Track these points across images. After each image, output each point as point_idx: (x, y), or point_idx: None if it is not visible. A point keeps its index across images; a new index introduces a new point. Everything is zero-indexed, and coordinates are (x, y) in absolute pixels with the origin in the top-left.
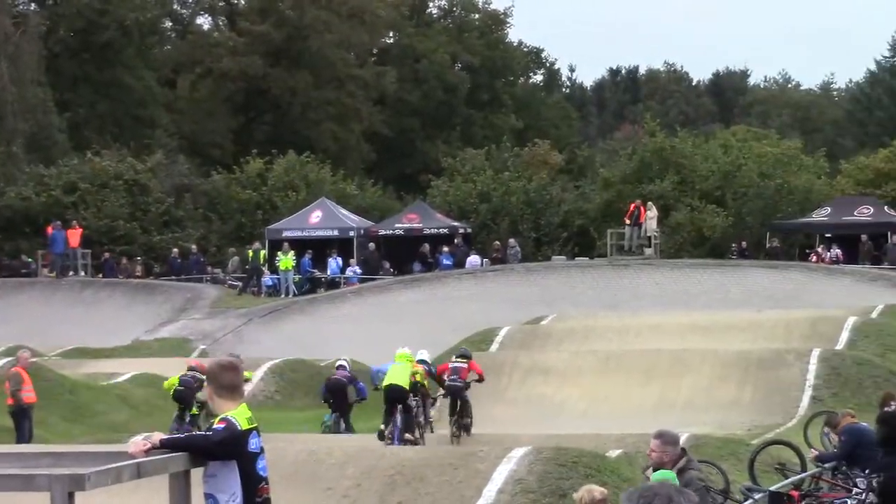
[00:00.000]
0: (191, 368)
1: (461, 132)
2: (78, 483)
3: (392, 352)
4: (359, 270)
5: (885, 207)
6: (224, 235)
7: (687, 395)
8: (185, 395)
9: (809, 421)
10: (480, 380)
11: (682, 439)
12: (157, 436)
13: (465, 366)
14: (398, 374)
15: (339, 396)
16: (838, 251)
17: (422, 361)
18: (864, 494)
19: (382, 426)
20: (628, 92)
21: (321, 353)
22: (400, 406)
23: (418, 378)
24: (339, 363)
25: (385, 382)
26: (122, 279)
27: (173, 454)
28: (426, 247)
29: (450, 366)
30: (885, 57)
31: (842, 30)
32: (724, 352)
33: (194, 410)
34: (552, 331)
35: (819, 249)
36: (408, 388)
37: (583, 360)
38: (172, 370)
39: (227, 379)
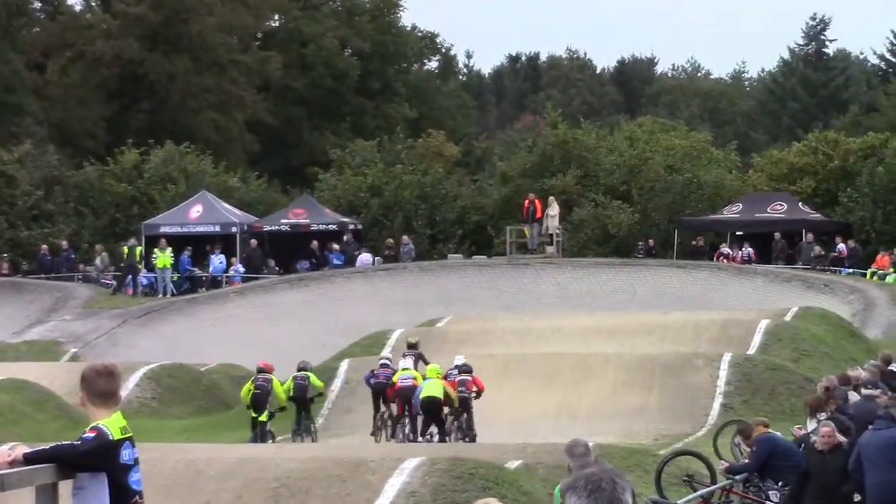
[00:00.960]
0: (260, 370)
1: (351, 122)
2: None
3: (276, 355)
4: (242, 269)
5: (800, 204)
6: (97, 231)
7: (590, 401)
8: (262, 399)
9: (720, 430)
10: (479, 394)
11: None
12: (22, 448)
13: (470, 378)
14: (433, 388)
15: (383, 396)
16: (750, 250)
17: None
18: None
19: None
20: (528, 80)
21: (201, 356)
22: (435, 418)
23: (450, 393)
24: (381, 361)
25: (422, 395)
26: None
27: (40, 465)
28: (314, 244)
29: (457, 380)
30: (799, 45)
31: (754, 15)
32: (629, 356)
33: (263, 416)
34: (448, 334)
35: (728, 248)
36: (443, 399)
37: (480, 365)
38: (41, 375)
39: (102, 385)
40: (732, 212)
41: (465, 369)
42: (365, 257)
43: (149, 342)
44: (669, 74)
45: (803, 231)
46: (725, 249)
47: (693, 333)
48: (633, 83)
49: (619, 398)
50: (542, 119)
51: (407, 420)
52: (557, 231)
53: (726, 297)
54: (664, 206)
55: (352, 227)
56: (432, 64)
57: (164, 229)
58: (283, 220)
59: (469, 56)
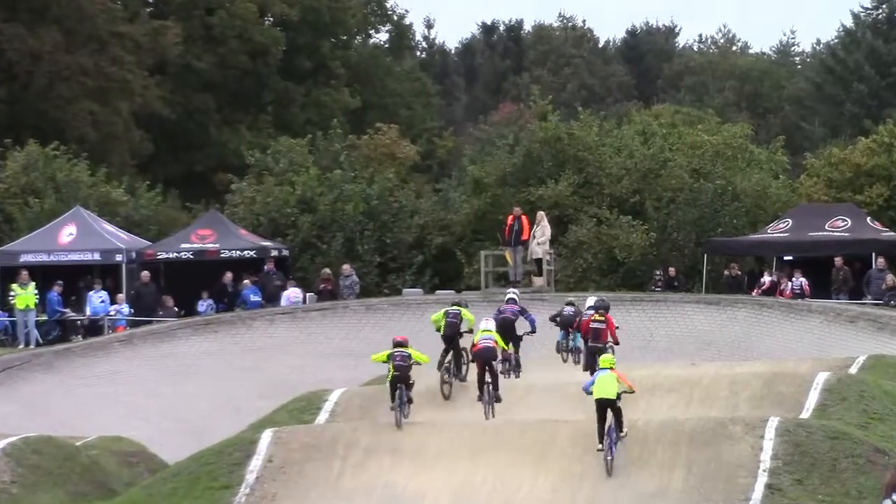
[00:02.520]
0: (397, 344)
1: (274, 114)
2: None
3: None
4: (128, 310)
5: (868, 219)
6: None
7: (592, 483)
8: (404, 380)
9: None
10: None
11: None
12: None
13: (604, 325)
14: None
15: (510, 333)
16: (803, 280)
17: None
18: None
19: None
20: (509, 57)
21: (77, 427)
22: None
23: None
24: (508, 296)
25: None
26: None
27: None
28: (227, 277)
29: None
30: (866, 8)
31: None
32: (644, 422)
33: None
34: None
35: (775, 278)
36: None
37: (447, 436)
38: None
39: None
40: (779, 230)
41: (601, 305)
42: (293, 293)
43: (6, 407)
44: (695, 49)
45: (873, 255)
46: (769, 279)
47: (729, 391)
48: (648, 60)
49: (631, 479)
50: (526, 108)
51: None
52: (548, 257)
53: (772, 342)
54: (689, 222)
55: (275, 253)
56: (381, 36)
57: (25, 258)
58: (183, 246)
59: (429, 25)
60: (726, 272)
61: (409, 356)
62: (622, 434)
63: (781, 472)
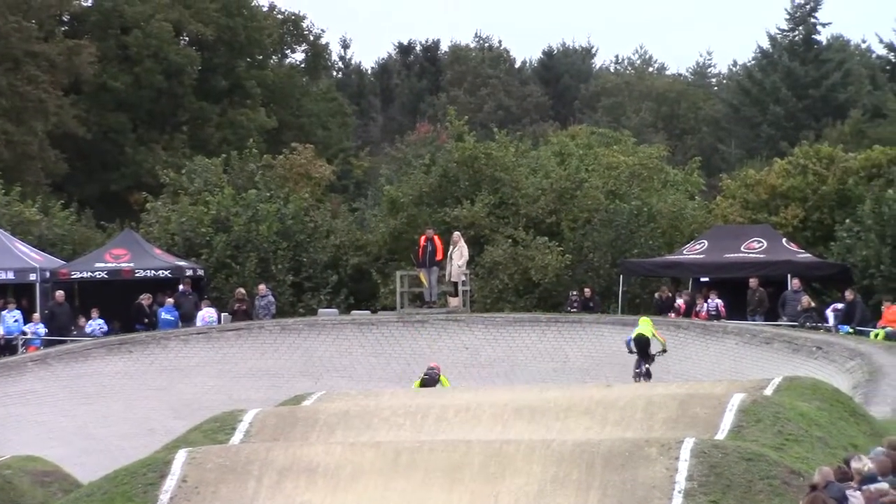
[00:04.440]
0: (429, 370)
1: (189, 133)
2: None
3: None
4: (43, 329)
5: (784, 240)
6: None
7: (508, 501)
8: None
9: None
10: None
11: None
12: None
13: None
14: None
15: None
16: (718, 301)
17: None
18: None
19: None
20: (425, 77)
21: None
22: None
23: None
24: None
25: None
26: None
27: None
28: (145, 297)
29: None
30: (782, 30)
31: None
32: (560, 444)
33: None
34: (319, 414)
35: (688, 300)
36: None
37: (362, 457)
38: None
39: None
40: (695, 251)
41: None
42: (207, 313)
43: None
44: (612, 70)
45: (788, 276)
46: (679, 300)
47: (644, 413)
48: (564, 81)
49: (547, 500)
50: (443, 129)
51: None
52: (464, 277)
53: (687, 364)
54: (605, 243)
55: (190, 272)
56: (297, 56)
57: None
58: (97, 265)
59: (346, 45)
60: (657, 294)
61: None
62: (650, 363)
63: (697, 494)
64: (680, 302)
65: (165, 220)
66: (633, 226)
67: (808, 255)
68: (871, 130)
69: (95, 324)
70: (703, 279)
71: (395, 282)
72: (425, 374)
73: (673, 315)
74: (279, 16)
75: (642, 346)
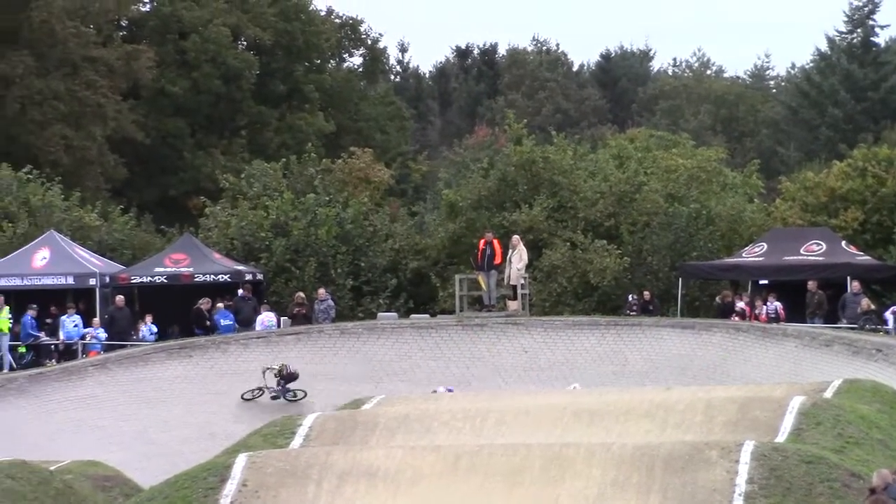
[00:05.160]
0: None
1: (248, 138)
2: None
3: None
4: (103, 334)
5: (843, 243)
6: None
7: None
8: None
9: None
10: None
11: None
12: None
13: None
14: None
15: None
16: (777, 304)
17: None
18: None
19: None
20: (483, 81)
21: (51, 451)
22: None
23: None
24: None
25: None
26: None
27: None
28: (206, 302)
29: None
30: (841, 32)
31: None
32: (619, 447)
33: None
34: (378, 418)
35: (749, 303)
36: None
37: (422, 460)
38: None
39: None
40: (754, 254)
41: None
42: (267, 318)
43: None
44: (670, 72)
45: (847, 279)
46: (741, 304)
47: (704, 416)
48: (622, 84)
49: (606, 503)
50: (501, 132)
51: None
52: (523, 281)
53: (747, 367)
54: (664, 246)
55: (249, 277)
56: (355, 60)
57: None
58: (157, 270)
59: (403, 49)
60: (717, 298)
61: None
62: None
63: (757, 497)
64: (742, 304)
65: (225, 224)
66: (691, 229)
67: (868, 257)
68: None
69: (147, 329)
70: (762, 282)
71: (454, 285)
72: None
73: (737, 318)
74: (337, 20)
75: None
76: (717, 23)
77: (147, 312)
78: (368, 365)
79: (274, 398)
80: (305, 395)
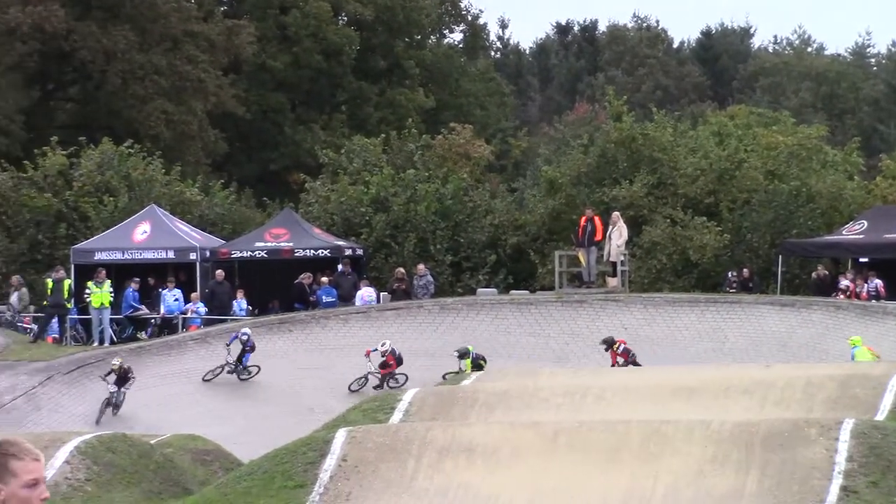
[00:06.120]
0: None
1: (348, 113)
2: None
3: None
4: (203, 308)
5: None
6: (12, 258)
7: (668, 484)
8: None
9: None
10: None
11: None
12: None
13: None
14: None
15: None
16: (878, 282)
17: None
18: None
19: None
20: (583, 57)
21: (151, 424)
22: None
23: None
24: None
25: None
26: None
27: None
28: (305, 277)
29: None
30: None
31: None
32: (718, 424)
33: None
34: (477, 395)
35: (850, 280)
36: None
37: (521, 437)
38: None
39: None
40: (855, 231)
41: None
42: (367, 293)
43: (81, 405)
44: (770, 50)
45: None
46: (845, 282)
47: (803, 394)
48: (723, 61)
49: (706, 480)
50: (601, 109)
51: None
52: (623, 258)
53: (847, 345)
54: (764, 224)
55: (349, 252)
56: (455, 36)
57: (100, 256)
58: (257, 244)
59: (504, 25)
60: (814, 274)
61: None
62: None
63: (856, 475)
64: (847, 283)
65: (325, 199)
66: (791, 206)
67: None
68: None
69: (237, 305)
70: (861, 260)
71: (553, 262)
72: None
73: (842, 296)
74: None
75: None
76: (817, 0)
77: (246, 287)
78: (468, 341)
79: (230, 373)
80: (259, 370)
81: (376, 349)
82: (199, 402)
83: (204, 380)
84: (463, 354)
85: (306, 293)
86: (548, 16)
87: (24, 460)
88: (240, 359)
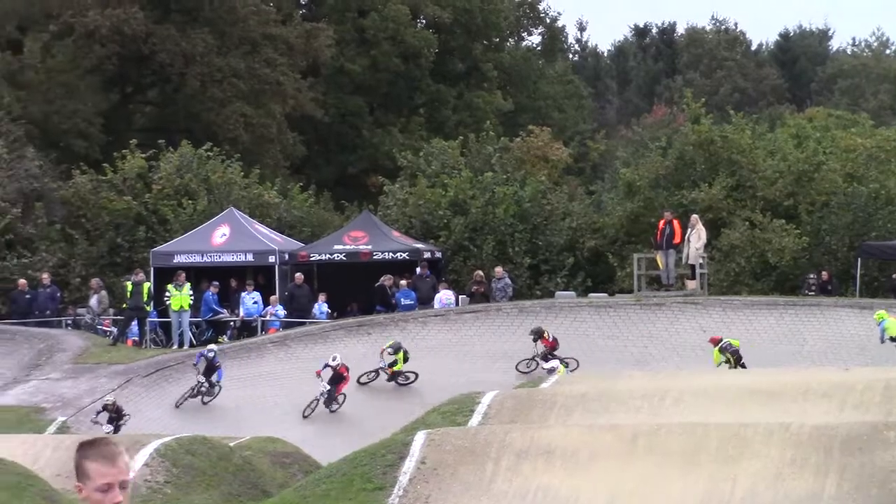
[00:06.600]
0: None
1: (426, 116)
2: None
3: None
4: (282, 311)
5: None
6: (91, 261)
7: (746, 487)
8: None
9: None
10: None
11: None
12: None
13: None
14: None
15: None
16: None
17: None
18: None
19: None
20: (661, 60)
21: (230, 427)
22: None
23: None
24: None
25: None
26: None
27: None
28: (386, 279)
29: None
30: None
31: None
32: (798, 427)
33: None
34: (556, 397)
35: None
36: None
37: (600, 439)
38: (20, 452)
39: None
40: None
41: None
42: (445, 295)
43: (160, 408)
44: (849, 52)
45: None
46: None
47: (883, 396)
48: (801, 63)
49: (784, 484)
50: (679, 111)
51: None
52: (701, 260)
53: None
54: (842, 226)
55: (428, 255)
56: (533, 39)
57: (179, 259)
58: (336, 247)
59: (582, 28)
60: (893, 276)
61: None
62: None
63: None
64: None
65: (403, 202)
66: (870, 208)
67: None
68: None
69: (317, 308)
70: None
71: (632, 264)
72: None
73: None
74: None
75: None
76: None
77: (325, 290)
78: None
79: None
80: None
81: (327, 365)
82: (278, 405)
83: (176, 406)
84: (396, 349)
85: (388, 295)
86: (626, 18)
87: (99, 463)
88: (208, 377)
